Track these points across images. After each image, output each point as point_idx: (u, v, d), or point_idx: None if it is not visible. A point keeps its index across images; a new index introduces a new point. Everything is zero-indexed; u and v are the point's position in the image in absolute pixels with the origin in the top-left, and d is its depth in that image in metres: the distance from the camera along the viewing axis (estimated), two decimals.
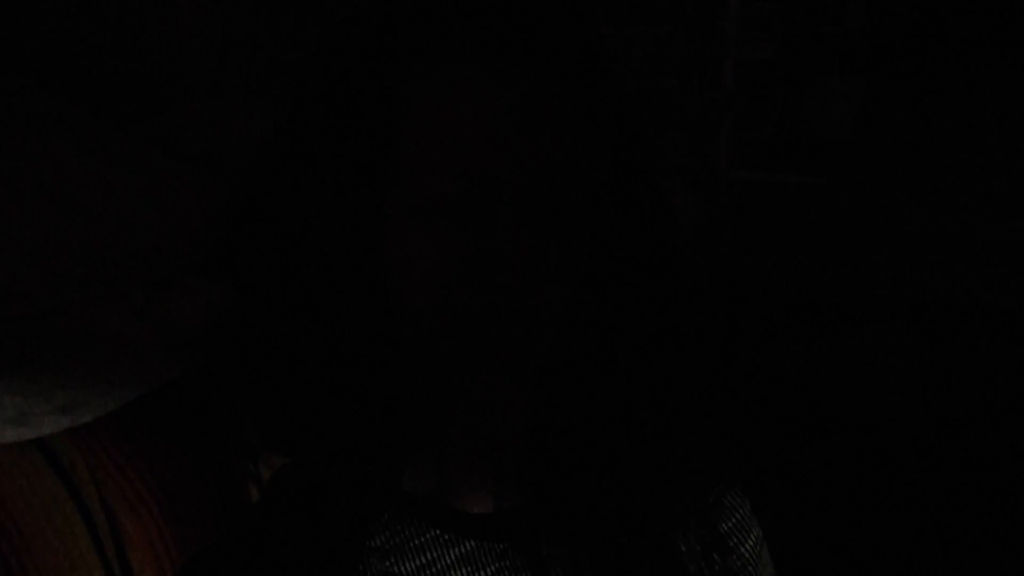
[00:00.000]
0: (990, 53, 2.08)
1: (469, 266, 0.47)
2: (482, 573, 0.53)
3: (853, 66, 2.30)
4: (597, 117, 0.50)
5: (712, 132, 2.16)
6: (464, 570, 0.53)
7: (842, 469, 1.58)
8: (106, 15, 1.25)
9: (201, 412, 0.80)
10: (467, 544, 0.54)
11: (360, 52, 0.49)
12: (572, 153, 0.49)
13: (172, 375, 0.80)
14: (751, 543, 0.60)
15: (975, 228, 2.08)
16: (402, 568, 0.53)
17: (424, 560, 0.53)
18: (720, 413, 0.61)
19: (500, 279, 0.47)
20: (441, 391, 0.52)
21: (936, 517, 1.52)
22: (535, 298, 0.48)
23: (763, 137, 2.27)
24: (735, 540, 0.59)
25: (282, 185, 0.51)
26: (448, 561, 0.53)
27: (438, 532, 0.54)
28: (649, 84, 2.19)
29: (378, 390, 0.51)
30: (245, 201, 0.54)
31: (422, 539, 0.53)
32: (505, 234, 0.47)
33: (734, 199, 2.20)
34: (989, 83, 2.07)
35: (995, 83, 2.06)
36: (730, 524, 0.60)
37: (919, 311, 1.90)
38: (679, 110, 2.17)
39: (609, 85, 0.51)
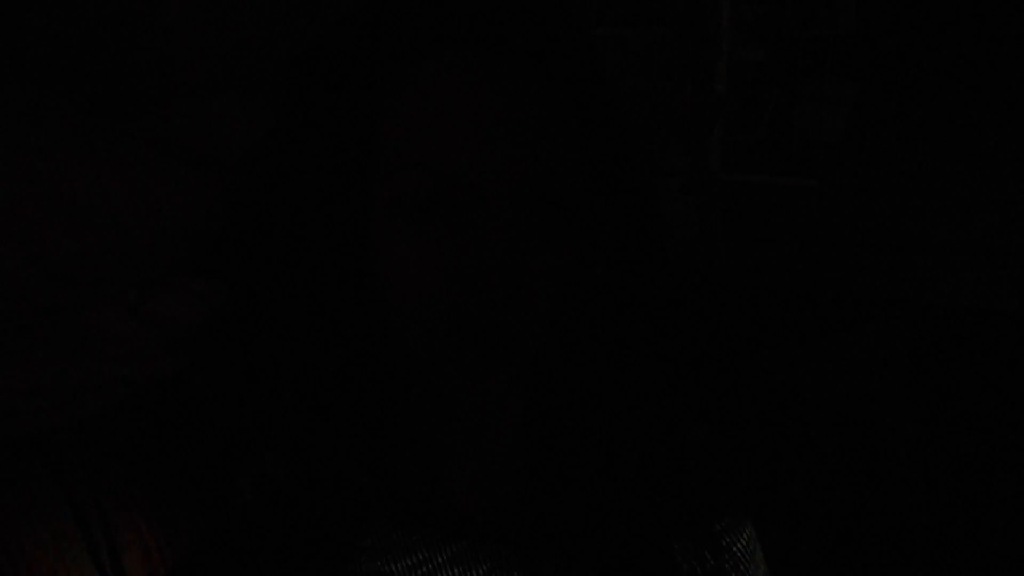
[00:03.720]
0: (981, 57, 2.09)
1: (453, 270, 0.47)
2: (474, 572, 0.53)
3: (845, 70, 2.31)
4: (585, 118, 0.50)
5: (704, 134, 2.17)
6: (456, 569, 0.53)
7: (832, 468, 1.59)
8: (98, 11, 1.25)
9: (193, 411, 0.80)
10: (459, 543, 0.53)
11: (347, 47, 0.49)
12: (557, 155, 0.48)
13: (164, 373, 0.80)
14: (743, 542, 0.61)
15: (965, 230, 2.10)
16: (393, 567, 0.52)
17: (415, 559, 0.53)
18: (711, 414, 0.62)
19: (484, 283, 0.47)
20: (433, 390, 0.52)
21: (927, 517, 1.53)
22: (521, 300, 0.48)
23: (755, 139, 2.28)
24: (728, 539, 0.60)
25: (271, 183, 0.51)
26: (440, 560, 0.53)
27: (430, 531, 0.53)
28: (642, 86, 2.20)
29: (370, 388, 0.51)
30: (238, 198, 0.54)
31: (413, 538, 0.53)
32: (487, 238, 0.47)
33: (726, 201, 2.21)
34: (979, 87, 2.08)
35: (985, 87, 2.08)
36: (723, 523, 0.60)
37: (910, 313, 1.91)
38: (672, 112, 2.17)
39: (596, 85, 0.51)
